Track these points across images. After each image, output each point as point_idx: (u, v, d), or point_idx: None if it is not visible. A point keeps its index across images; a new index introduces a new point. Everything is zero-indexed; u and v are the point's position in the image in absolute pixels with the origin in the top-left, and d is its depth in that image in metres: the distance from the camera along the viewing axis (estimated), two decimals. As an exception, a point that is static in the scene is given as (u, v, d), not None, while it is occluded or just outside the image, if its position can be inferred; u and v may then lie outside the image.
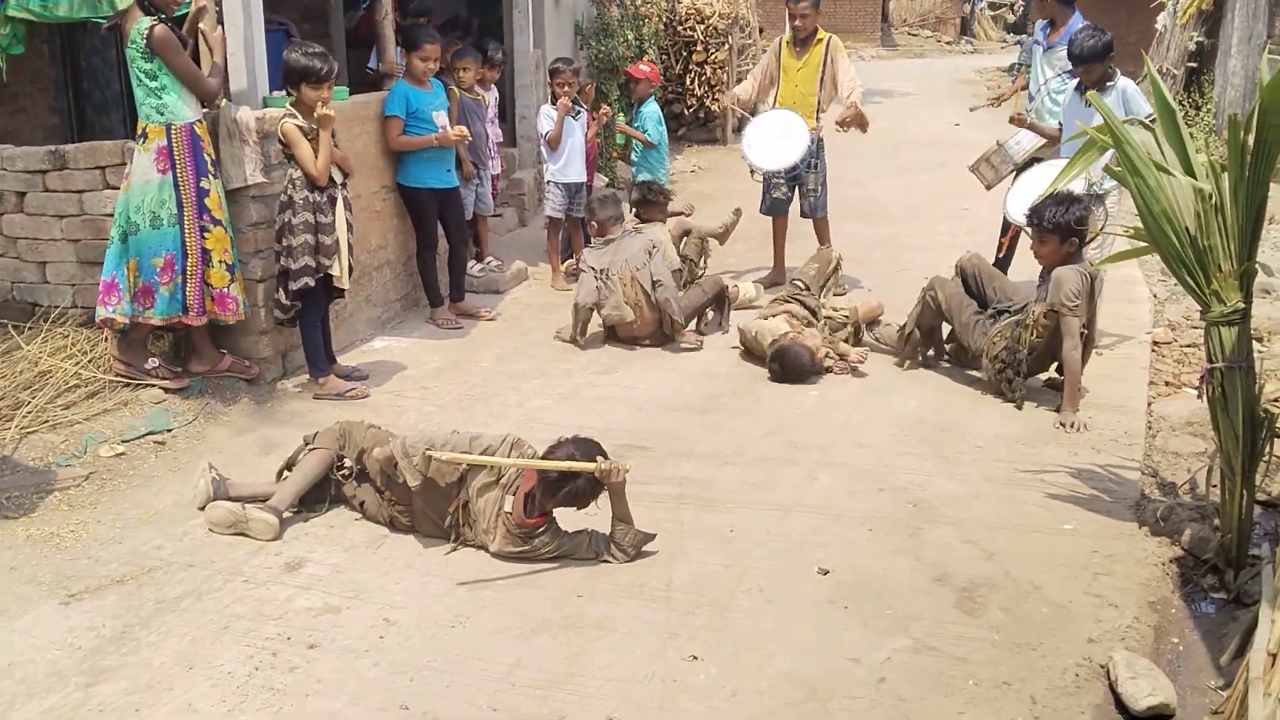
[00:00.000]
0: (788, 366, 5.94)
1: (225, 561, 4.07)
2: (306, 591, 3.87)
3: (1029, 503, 4.52)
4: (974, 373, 5.91)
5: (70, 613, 3.71)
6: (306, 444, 4.49)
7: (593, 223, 6.93)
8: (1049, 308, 5.37)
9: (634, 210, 7.53)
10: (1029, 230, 5.72)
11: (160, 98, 5.23)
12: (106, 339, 5.56)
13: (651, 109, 8.68)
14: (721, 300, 6.96)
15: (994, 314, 5.73)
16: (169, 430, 5.20)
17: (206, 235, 5.36)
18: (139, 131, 5.30)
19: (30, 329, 5.75)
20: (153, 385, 5.43)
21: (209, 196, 5.35)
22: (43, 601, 3.78)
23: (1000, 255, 7.30)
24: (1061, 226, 5.43)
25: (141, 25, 5.14)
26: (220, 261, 5.40)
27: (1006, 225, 7.12)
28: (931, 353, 6.15)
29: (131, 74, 5.27)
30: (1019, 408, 5.49)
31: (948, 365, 6.10)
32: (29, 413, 5.06)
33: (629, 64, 11.87)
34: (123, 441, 5.00)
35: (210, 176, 5.36)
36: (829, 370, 6.08)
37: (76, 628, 3.62)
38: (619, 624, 3.66)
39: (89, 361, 5.51)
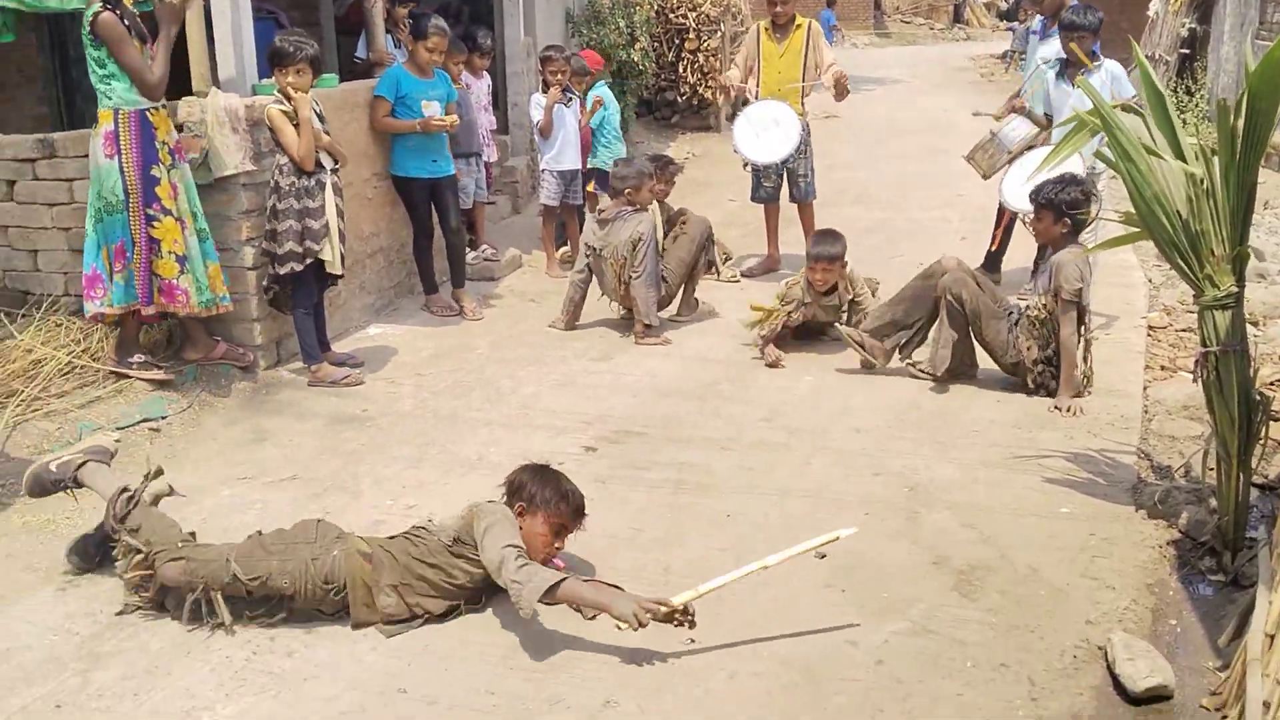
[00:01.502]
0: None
1: (221, 548, 4.06)
2: (303, 578, 3.86)
3: (1026, 487, 4.52)
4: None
5: (67, 599, 3.70)
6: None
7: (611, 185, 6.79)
8: (1054, 294, 5.35)
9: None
10: (1024, 218, 5.72)
11: (109, 84, 5.11)
12: (102, 332, 5.53)
13: (599, 91, 8.50)
14: (708, 245, 6.83)
15: (1014, 322, 5.55)
16: (164, 418, 5.19)
17: (155, 225, 5.19)
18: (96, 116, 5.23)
19: (23, 317, 5.73)
20: (141, 379, 5.39)
21: (159, 185, 5.18)
22: (39, 588, 3.77)
23: (994, 247, 7.30)
24: (1054, 204, 5.43)
25: (90, 11, 5.03)
26: (170, 252, 5.23)
27: (1001, 213, 7.13)
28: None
29: (87, 58, 5.18)
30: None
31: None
32: (22, 401, 5.03)
33: (621, 51, 11.84)
34: (117, 429, 4.97)
35: (162, 165, 5.20)
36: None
37: (74, 614, 3.61)
38: (617, 609, 3.65)
39: (82, 350, 5.48)
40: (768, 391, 5.67)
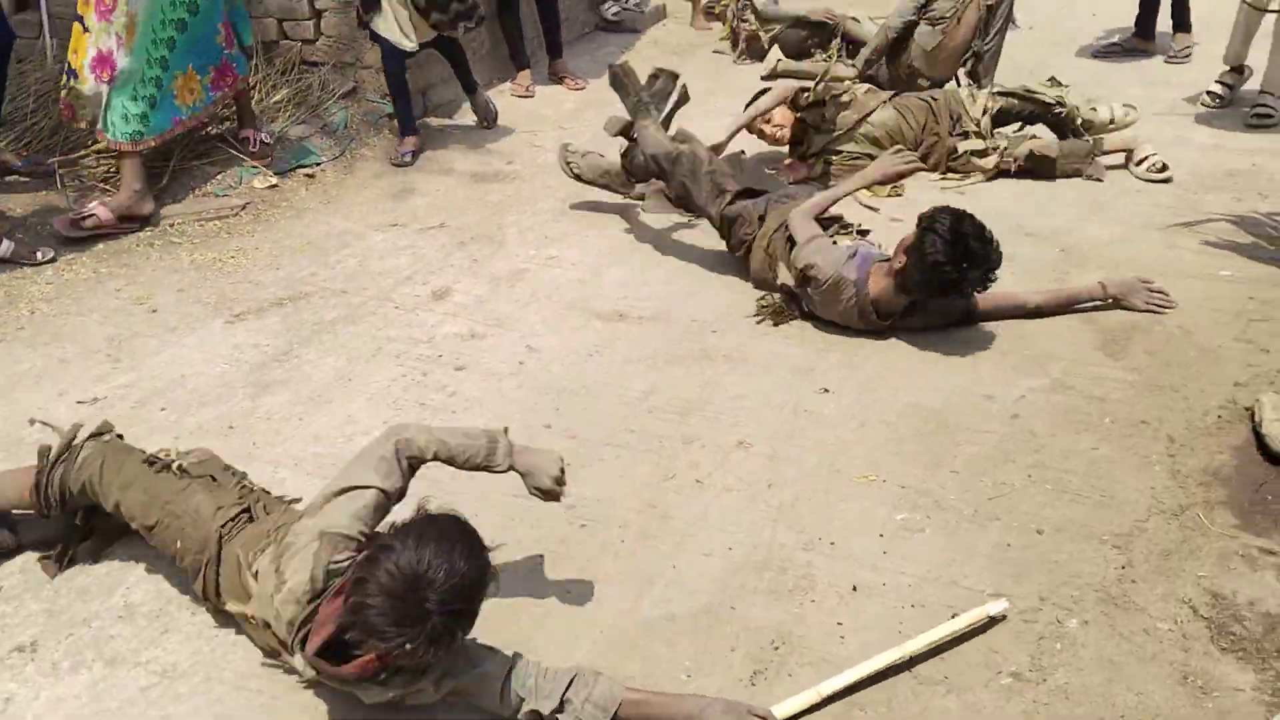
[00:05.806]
0: None
1: (376, 289, 4.24)
2: (453, 319, 4.02)
3: (1185, 248, 4.33)
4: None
5: (235, 331, 3.94)
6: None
7: None
8: None
9: None
10: None
11: None
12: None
13: None
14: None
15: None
16: (318, 164, 5.34)
17: None
18: None
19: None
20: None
21: None
22: (209, 320, 4.02)
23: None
24: None
25: None
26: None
27: None
28: None
29: None
30: None
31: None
32: (186, 145, 5.22)
33: None
34: (276, 174, 5.16)
35: None
36: None
37: (242, 344, 3.86)
38: (751, 357, 3.72)
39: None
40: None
